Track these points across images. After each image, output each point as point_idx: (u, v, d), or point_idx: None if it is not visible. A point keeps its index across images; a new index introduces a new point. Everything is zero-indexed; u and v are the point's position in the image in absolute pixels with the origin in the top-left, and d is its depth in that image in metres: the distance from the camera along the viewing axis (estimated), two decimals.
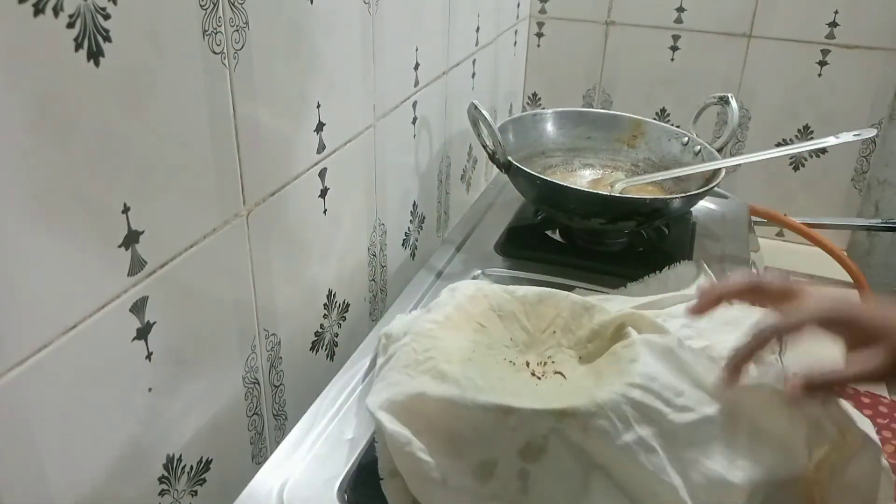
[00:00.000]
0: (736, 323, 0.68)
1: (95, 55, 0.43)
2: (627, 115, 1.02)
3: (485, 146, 0.88)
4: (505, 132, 0.88)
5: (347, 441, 0.57)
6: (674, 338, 0.57)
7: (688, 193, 0.84)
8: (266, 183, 0.63)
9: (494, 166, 0.88)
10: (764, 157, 0.87)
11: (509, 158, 0.85)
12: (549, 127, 1.01)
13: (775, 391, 0.53)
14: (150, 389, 0.53)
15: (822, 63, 1.26)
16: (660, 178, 0.92)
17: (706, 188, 0.83)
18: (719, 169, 0.86)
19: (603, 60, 1.37)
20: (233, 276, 0.60)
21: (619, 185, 0.92)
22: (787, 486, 0.51)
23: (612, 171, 1.00)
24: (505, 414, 0.48)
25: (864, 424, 0.52)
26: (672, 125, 1.00)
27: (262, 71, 0.59)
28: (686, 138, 0.96)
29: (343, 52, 0.71)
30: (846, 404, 0.53)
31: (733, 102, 0.93)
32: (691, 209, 0.95)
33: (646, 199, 0.84)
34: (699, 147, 0.94)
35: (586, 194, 0.86)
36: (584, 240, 0.90)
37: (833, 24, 1.23)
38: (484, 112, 0.85)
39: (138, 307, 0.50)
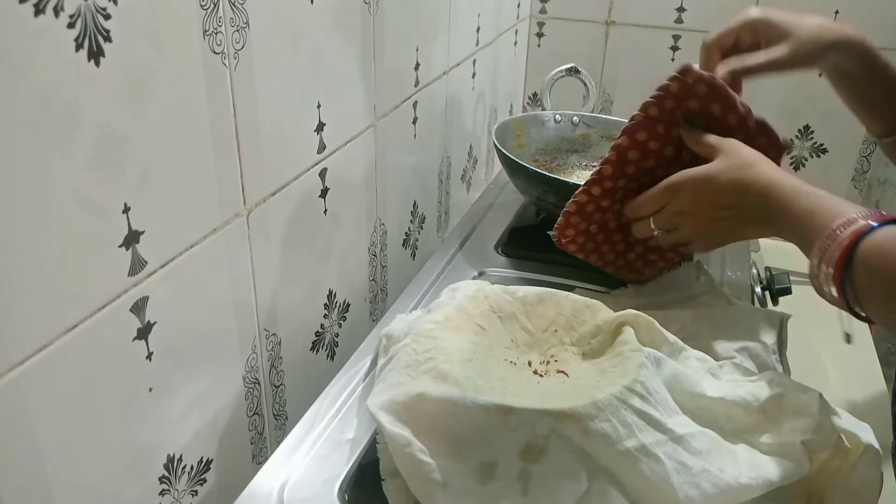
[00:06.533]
0: (736, 324, 0.68)
1: (96, 55, 0.43)
2: (510, 117, 1.04)
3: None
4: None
5: (348, 441, 0.57)
6: (675, 352, 0.57)
7: None
8: (266, 183, 0.63)
9: (494, 166, 0.87)
10: None
11: None
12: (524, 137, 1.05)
13: (762, 408, 0.53)
14: (150, 389, 0.53)
15: None
16: None
17: None
18: None
19: (603, 60, 1.37)
20: (233, 276, 0.60)
21: None
22: (788, 488, 0.51)
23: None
24: (505, 414, 0.48)
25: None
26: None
27: (262, 71, 0.59)
28: (548, 115, 1.02)
29: (343, 52, 0.71)
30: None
31: (583, 71, 0.98)
32: None
33: None
34: (575, 116, 1.00)
35: None
36: None
37: None
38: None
39: (138, 307, 0.50)
